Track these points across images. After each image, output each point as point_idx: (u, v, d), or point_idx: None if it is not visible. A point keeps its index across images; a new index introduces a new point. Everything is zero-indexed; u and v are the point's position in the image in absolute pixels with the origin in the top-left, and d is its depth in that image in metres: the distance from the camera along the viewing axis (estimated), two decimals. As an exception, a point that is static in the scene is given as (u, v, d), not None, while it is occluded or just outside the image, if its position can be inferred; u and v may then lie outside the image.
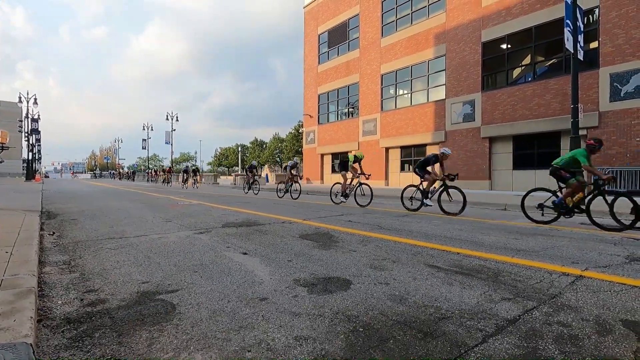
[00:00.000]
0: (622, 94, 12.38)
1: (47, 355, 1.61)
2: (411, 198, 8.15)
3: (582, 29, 9.54)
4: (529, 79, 15.34)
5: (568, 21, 8.78)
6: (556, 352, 1.64)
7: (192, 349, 1.67)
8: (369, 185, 9.31)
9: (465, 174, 16.98)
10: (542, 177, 14.43)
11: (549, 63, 15.32)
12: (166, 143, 43.52)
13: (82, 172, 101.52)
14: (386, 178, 21.19)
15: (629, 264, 3.24)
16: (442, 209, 7.49)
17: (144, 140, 51.52)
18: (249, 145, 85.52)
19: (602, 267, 3.12)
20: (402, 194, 8.57)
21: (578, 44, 8.99)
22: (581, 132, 12.64)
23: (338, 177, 24.80)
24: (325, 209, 8.36)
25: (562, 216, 6.10)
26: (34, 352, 1.39)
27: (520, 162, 15.40)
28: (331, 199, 10.13)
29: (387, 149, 21.28)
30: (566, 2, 8.72)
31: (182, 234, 4.85)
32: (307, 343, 1.73)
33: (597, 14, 13.05)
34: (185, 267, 3.13)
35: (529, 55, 15.52)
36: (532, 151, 15.11)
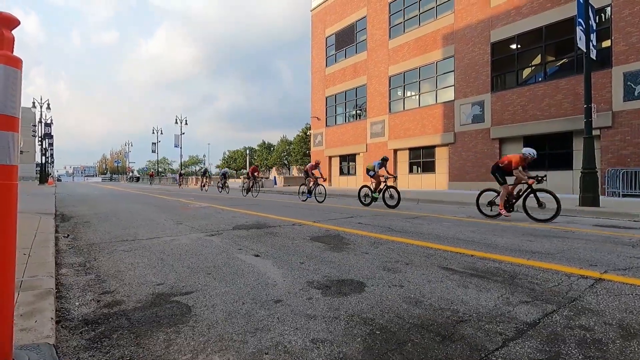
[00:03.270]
0: (636, 93, 12.14)
1: (67, 356, 1.62)
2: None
3: (594, 28, 9.40)
4: (540, 79, 15.14)
5: (580, 20, 8.65)
6: (580, 357, 1.60)
7: (210, 350, 1.67)
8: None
9: (475, 175, 16.81)
10: (553, 178, 14.20)
11: (560, 63, 15.12)
12: (175, 146, 43.98)
13: (93, 176, 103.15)
14: (395, 180, 21.06)
15: (650, 267, 3.16)
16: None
17: (153, 143, 52.15)
18: (256, 148, 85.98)
19: (622, 270, 3.04)
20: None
21: (591, 43, 8.85)
22: (594, 132, 12.46)
23: (346, 179, 24.80)
24: (335, 211, 8.34)
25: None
26: (57, 353, 1.40)
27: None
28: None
29: (395, 151, 21.19)
30: (578, 0, 8.60)
31: (194, 236, 4.88)
32: (325, 346, 1.71)
33: (610, 12, 12.85)
34: (198, 269, 3.15)
35: (539, 55, 15.34)
36: (543, 152, 14.89)
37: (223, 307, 2.23)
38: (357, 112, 24.40)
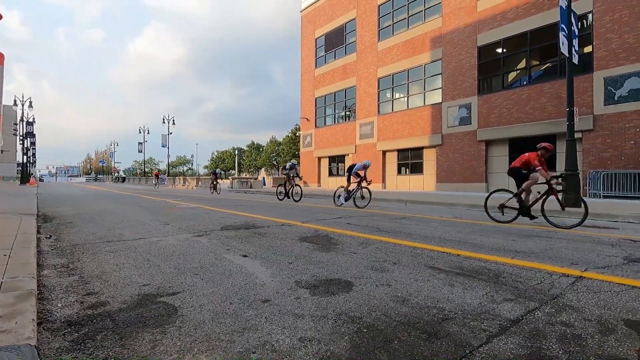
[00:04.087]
0: (616, 98, 12.52)
1: (49, 358, 1.59)
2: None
3: (576, 34, 9.66)
4: (525, 82, 15.47)
5: (563, 25, 8.89)
6: (560, 352, 1.65)
7: (196, 350, 1.66)
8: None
9: (462, 176, 17.06)
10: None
11: (544, 67, 15.48)
12: (162, 146, 43.37)
13: (77, 176, 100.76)
14: (383, 181, 21.23)
15: (628, 265, 3.27)
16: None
17: (140, 143, 51.32)
18: (245, 148, 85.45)
19: (601, 268, 3.14)
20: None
21: (573, 48, 9.09)
22: (577, 135, 12.78)
23: (335, 180, 24.88)
24: (324, 212, 8.36)
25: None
26: (38, 354, 1.38)
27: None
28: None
29: (384, 152, 21.35)
30: (561, 7, 8.83)
31: (181, 236, 4.82)
32: (312, 344, 1.72)
33: (591, 19, 13.22)
34: (185, 269, 3.11)
35: (524, 59, 15.67)
36: (528, 154, 15.20)
37: (210, 307, 2.21)
38: (347, 113, 24.50)
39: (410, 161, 20.04)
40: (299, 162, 32.03)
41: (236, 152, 76.24)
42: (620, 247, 4.16)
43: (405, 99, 20.32)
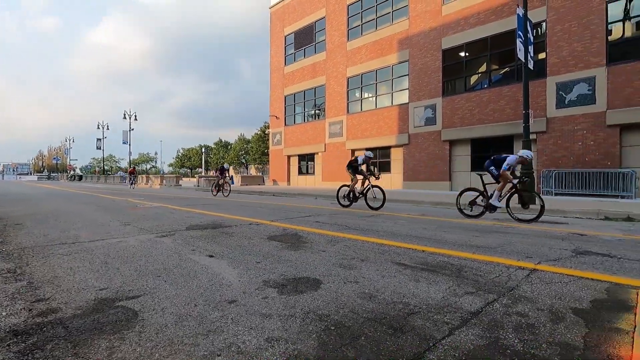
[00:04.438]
0: (566, 102, 13.44)
1: (-9, 371, 1.46)
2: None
3: (532, 41, 10.25)
4: (485, 85, 16.23)
5: (520, 32, 9.40)
6: (516, 341, 1.74)
7: (158, 356, 1.59)
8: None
9: (428, 175, 17.62)
10: (497, 179, 15.30)
11: (503, 71, 16.30)
12: (124, 143, 41.33)
13: (27, 174, 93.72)
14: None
15: (576, 257, 3.52)
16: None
17: (98, 139, 48.57)
18: (213, 146, 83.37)
19: (553, 261, 3.35)
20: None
21: (529, 55, 9.65)
22: (532, 137, 13.57)
23: (304, 179, 24.86)
24: (293, 211, 8.32)
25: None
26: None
27: (478, 164, 16.24)
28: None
29: (353, 151, 21.60)
30: (518, 15, 9.34)
31: (143, 237, 4.61)
32: (279, 344, 1.70)
33: (545, 27, 14.09)
34: (147, 271, 2.98)
35: (485, 63, 16.43)
36: (487, 154, 15.97)
37: (173, 310, 2.13)
38: (316, 112, 24.55)
39: (379, 160, 20.42)
40: (268, 161, 31.52)
41: (203, 150, 74.19)
42: (570, 240, 4.47)
43: (374, 98, 20.66)
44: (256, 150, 61.45)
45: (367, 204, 8.93)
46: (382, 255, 3.61)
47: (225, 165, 15.32)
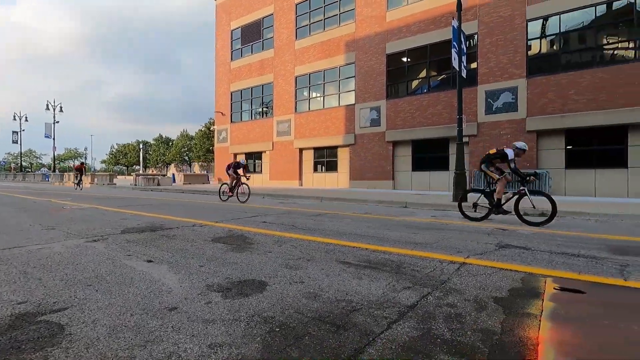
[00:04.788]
0: (493, 109, 14.82)
1: None
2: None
3: (465, 51, 11.14)
4: (425, 90, 17.29)
5: (455, 43, 10.17)
6: (445, 330, 1.91)
7: (88, 372, 1.49)
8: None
9: (373, 174, 18.31)
10: (436, 178, 16.41)
11: (440, 78, 17.49)
12: (46, 137, 37.10)
13: None
14: (300, 178, 21.59)
15: (498, 251, 3.92)
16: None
17: (14, 132, 43.03)
18: (152, 142, 78.35)
19: (479, 254, 3.70)
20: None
21: (462, 64, 10.47)
22: (465, 140, 14.75)
23: (252, 178, 24.42)
24: (239, 211, 8.16)
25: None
26: None
27: (418, 164, 17.27)
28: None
29: (301, 150, 21.70)
30: (453, 26, 10.09)
31: (71, 242, 4.22)
32: (223, 350, 1.68)
33: (476, 39, 15.38)
34: (75, 281, 2.74)
35: (425, 70, 17.50)
36: (427, 155, 17.08)
37: (106, 321, 1.99)
38: (264, 109, 24.23)
39: (326, 159, 20.76)
40: (213, 159, 30.45)
41: (141, 146, 69.31)
42: (494, 235, 4.96)
43: (322, 98, 20.94)
44: (200, 148, 59.01)
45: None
46: (328, 254, 3.70)
47: (242, 160, 11.63)
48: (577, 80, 13.06)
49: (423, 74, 17.69)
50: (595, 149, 13.08)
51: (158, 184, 23.55)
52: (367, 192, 15.45)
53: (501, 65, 14.63)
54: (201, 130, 59.68)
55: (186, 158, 70.75)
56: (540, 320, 1.99)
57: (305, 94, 21.82)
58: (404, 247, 4.08)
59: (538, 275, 2.92)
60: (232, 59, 25.79)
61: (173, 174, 30.78)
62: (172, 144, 73.79)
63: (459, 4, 10.14)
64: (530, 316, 2.08)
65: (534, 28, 14.19)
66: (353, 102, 19.22)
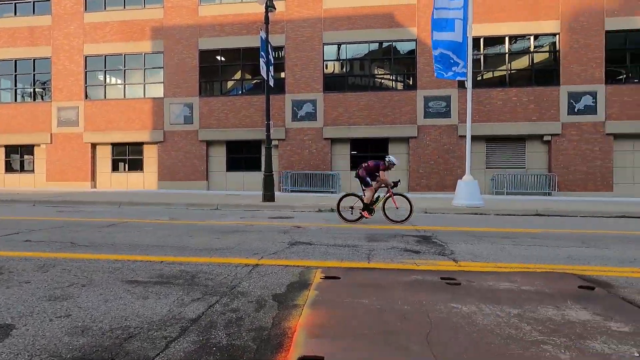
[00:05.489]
0: (298, 116, 16.70)
1: None
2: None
3: (272, 62, 12.07)
4: (239, 92, 17.69)
5: (262, 53, 10.86)
6: (224, 336, 2.04)
7: None
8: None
9: (185, 174, 17.32)
10: (250, 179, 17.03)
11: (254, 82, 18.28)
12: None
13: None
14: (93, 179, 18.08)
15: (290, 248, 4.48)
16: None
17: None
18: None
19: (272, 254, 4.12)
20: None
21: (270, 73, 11.30)
22: (274, 143, 15.97)
23: (17, 178, 18.60)
24: (-12, 226, 6.11)
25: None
26: None
27: (232, 165, 17.52)
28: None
29: (94, 145, 18.17)
30: (260, 37, 10.76)
31: None
32: None
33: (284, 52, 16.90)
34: None
35: (240, 72, 17.88)
36: (241, 156, 17.55)
37: None
38: (36, 90, 18.90)
39: (129, 157, 18.20)
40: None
41: None
42: (289, 233, 5.62)
43: (123, 86, 18.18)
44: None
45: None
46: (113, 274, 3.28)
47: (393, 159, 7.10)
48: (358, 100, 16.35)
49: (238, 75, 18.04)
50: (370, 155, 16.73)
51: None
52: (177, 193, 14.50)
53: (305, 79, 16.62)
54: None
55: None
56: (302, 309, 2.42)
57: (101, 78, 18.42)
58: (203, 254, 4.08)
59: (312, 268, 3.51)
60: (-20, 16, 18.85)
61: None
62: None
63: (267, 18, 10.88)
64: (297, 307, 2.49)
65: (330, 50, 16.82)
66: (162, 95, 17.59)
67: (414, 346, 1.91)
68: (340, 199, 7.21)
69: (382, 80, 17.22)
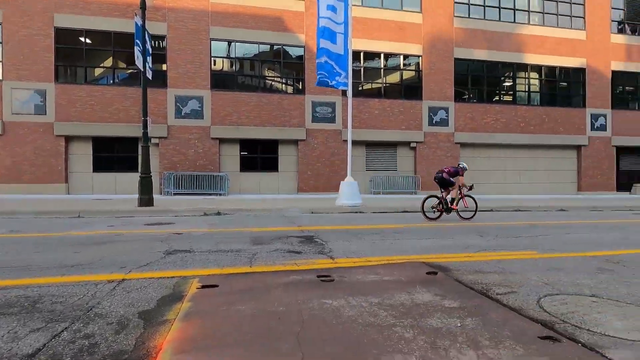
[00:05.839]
0: (182, 114, 15.52)
1: None
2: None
3: (150, 52, 10.92)
4: (110, 82, 15.48)
5: (138, 41, 9.74)
6: (70, 369, 1.77)
7: None
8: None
9: (35, 176, 14.29)
10: (124, 180, 15.05)
11: (129, 71, 16.24)
12: None
13: None
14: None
15: (164, 258, 4.13)
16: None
17: None
18: None
19: (143, 266, 3.74)
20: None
21: (147, 64, 10.20)
22: (154, 141, 14.55)
23: None
24: None
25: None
26: None
27: (101, 165, 15.23)
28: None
29: None
30: (136, 23, 9.62)
31: None
32: None
33: (166, 42, 15.49)
34: None
35: (111, 58, 15.65)
36: (113, 154, 15.41)
37: None
38: None
39: (-53, 153, 14.05)
40: None
41: None
42: (167, 241, 5.19)
43: (-64, 61, 13.96)
44: None
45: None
46: None
47: (465, 165, 8.77)
48: (248, 100, 16.11)
49: (109, 62, 15.77)
50: (260, 156, 16.71)
51: None
52: (23, 199, 11.85)
53: (190, 74, 15.56)
54: None
55: None
56: (172, 324, 2.27)
57: None
58: (53, 273, 3.44)
59: (189, 277, 3.32)
60: None
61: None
62: None
63: (143, 2, 9.79)
64: (166, 322, 2.32)
65: (219, 46, 16.12)
66: (0, 78, 14.15)
67: (284, 346, 1.99)
68: (425, 200, 8.29)
69: (273, 83, 17.38)
